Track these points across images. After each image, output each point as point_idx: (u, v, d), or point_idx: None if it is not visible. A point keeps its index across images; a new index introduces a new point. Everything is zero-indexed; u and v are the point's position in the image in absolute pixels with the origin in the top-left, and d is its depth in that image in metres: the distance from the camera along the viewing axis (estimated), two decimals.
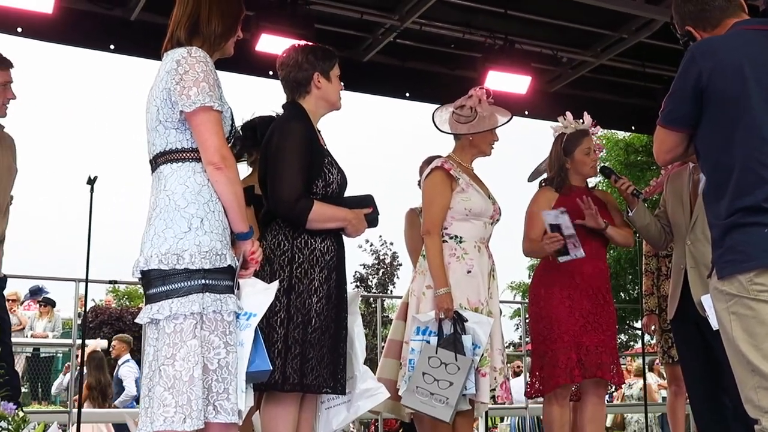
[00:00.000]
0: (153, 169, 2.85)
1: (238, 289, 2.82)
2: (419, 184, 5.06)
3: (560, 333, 4.31)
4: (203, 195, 2.73)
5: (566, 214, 4.32)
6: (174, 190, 2.73)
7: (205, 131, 2.72)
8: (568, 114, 4.63)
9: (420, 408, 3.96)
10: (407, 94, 7.93)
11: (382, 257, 24.52)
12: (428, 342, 4.01)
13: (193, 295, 2.63)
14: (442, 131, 4.37)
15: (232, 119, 2.93)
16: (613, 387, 4.58)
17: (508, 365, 4.40)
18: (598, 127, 4.75)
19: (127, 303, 21.59)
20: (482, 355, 4.05)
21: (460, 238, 4.18)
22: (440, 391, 3.89)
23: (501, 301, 4.53)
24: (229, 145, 2.86)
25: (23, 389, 11.25)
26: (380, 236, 23.89)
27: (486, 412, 7.07)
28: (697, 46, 2.78)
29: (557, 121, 4.75)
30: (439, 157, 4.39)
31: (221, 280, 2.70)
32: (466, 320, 4.02)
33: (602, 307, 4.42)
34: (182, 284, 2.63)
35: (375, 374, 4.66)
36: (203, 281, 2.65)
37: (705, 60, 2.69)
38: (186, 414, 2.56)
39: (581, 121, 4.62)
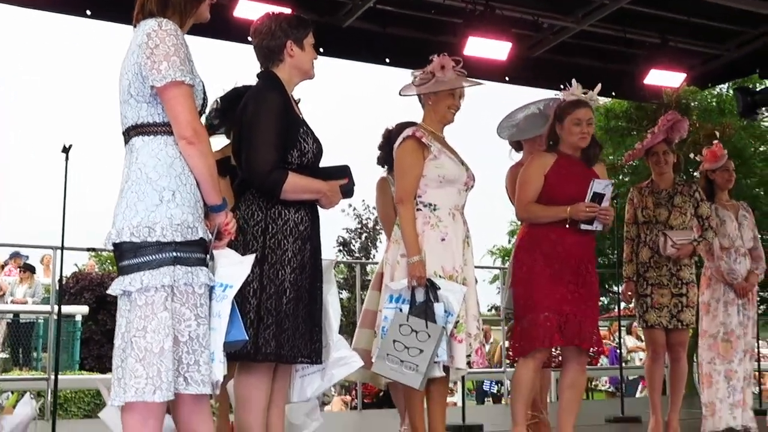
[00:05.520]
0: (126, 141, 2.85)
1: (212, 260, 2.84)
2: (379, 147, 5.08)
3: (541, 298, 4.33)
4: (175, 168, 2.74)
5: (611, 187, 4.39)
6: (146, 163, 2.73)
7: (176, 105, 2.72)
8: (575, 83, 4.59)
9: (390, 375, 4.00)
10: (387, 60, 7.91)
11: (365, 221, 24.56)
12: (401, 310, 4.04)
13: (164, 267, 2.65)
14: (400, 94, 4.40)
15: (204, 92, 2.93)
16: (594, 355, 4.60)
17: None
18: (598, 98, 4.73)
19: (110, 268, 21.53)
20: (458, 321, 4.09)
21: (434, 205, 4.20)
22: (410, 359, 3.93)
23: (481, 267, 4.57)
24: (202, 117, 2.86)
25: (4, 355, 11.27)
26: (363, 200, 23.92)
27: (463, 377, 7.12)
28: None
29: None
30: (412, 124, 4.39)
31: (193, 252, 2.71)
32: (439, 288, 4.05)
33: (584, 278, 4.44)
34: (153, 257, 2.65)
35: (353, 342, 4.73)
36: (174, 254, 2.66)
37: None
38: (156, 385, 2.59)
39: (585, 92, 4.59)
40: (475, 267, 4.48)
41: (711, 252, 5.90)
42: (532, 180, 4.47)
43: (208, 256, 2.80)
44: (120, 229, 2.69)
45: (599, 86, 4.61)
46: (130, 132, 2.81)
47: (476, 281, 4.48)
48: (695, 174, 12.74)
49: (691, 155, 6.63)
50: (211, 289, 2.79)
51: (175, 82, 2.70)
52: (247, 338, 2.90)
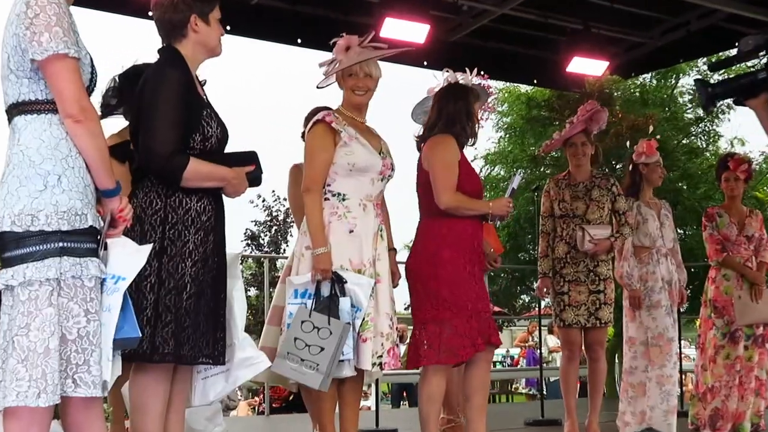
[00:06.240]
0: (8, 121, 2.77)
1: (105, 249, 2.78)
2: (302, 136, 5.04)
3: (465, 300, 4.30)
4: (61, 150, 2.66)
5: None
6: (28, 145, 2.65)
7: (60, 81, 2.64)
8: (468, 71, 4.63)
9: (290, 375, 3.97)
10: (299, 41, 7.83)
11: (275, 213, 24.35)
12: (306, 305, 4.01)
13: (50, 259, 2.57)
14: (318, 87, 4.42)
15: (92, 66, 2.85)
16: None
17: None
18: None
19: None
20: (363, 319, 4.05)
21: (344, 195, 4.16)
22: (311, 357, 3.89)
23: (398, 262, 4.51)
24: (92, 94, 2.78)
25: None
26: (273, 191, 23.66)
27: (377, 379, 7.13)
28: None
29: (458, 73, 4.73)
30: (326, 109, 4.35)
31: (82, 242, 2.64)
32: (346, 281, 4.02)
33: (483, 272, 4.53)
34: (37, 248, 2.57)
35: (260, 340, 4.68)
36: (61, 244, 2.59)
37: None
38: (40, 389, 2.52)
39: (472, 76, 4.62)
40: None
41: (621, 251, 5.97)
42: (454, 166, 4.38)
43: (100, 246, 2.73)
44: (0, 218, 2.61)
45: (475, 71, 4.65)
46: (12, 111, 2.72)
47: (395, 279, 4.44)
48: (618, 166, 13.05)
49: (627, 144, 6.75)
50: (102, 281, 2.72)
51: (58, 55, 2.62)
52: (140, 335, 2.84)
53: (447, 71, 4.66)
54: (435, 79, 4.75)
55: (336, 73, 4.29)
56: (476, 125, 4.54)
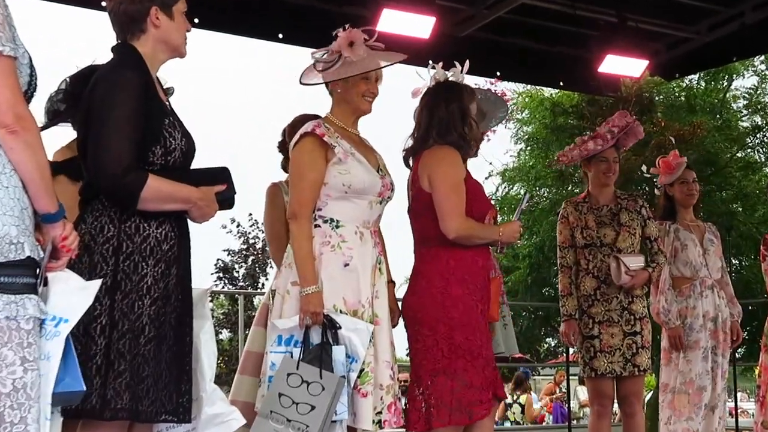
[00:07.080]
0: None
1: (45, 285, 2.78)
2: (279, 147, 5.03)
3: (479, 346, 4.28)
4: None
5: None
6: None
7: None
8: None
9: None
10: (280, 36, 7.88)
11: (251, 241, 24.42)
12: (291, 355, 3.99)
13: None
14: (301, 83, 4.34)
15: (32, 67, 2.85)
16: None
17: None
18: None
19: None
20: (362, 369, 4.03)
21: (337, 222, 4.14)
22: (299, 418, 3.85)
23: (399, 299, 4.50)
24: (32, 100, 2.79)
25: None
26: (250, 214, 23.75)
27: None
28: None
29: (468, 73, 4.68)
30: (315, 118, 4.34)
31: (17, 276, 2.62)
32: (339, 327, 3.99)
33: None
34: None
35: (231, 392, 4.67)
36: None
37: None
38: None
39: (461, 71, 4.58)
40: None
41: (656, 283, 5.96)
42: (461, 185, 4.35)
43: (39, 281, 2.72)
44: None
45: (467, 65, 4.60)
46: None
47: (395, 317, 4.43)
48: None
49: (643, 169, 6.73)
50: (42, 323, 2.71)
51: None
52: (84, 389, 2.83)
53: (433, 67, 4.57)
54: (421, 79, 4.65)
55: (326, 70, 4.24)
56: (476, 130, 4.48)
